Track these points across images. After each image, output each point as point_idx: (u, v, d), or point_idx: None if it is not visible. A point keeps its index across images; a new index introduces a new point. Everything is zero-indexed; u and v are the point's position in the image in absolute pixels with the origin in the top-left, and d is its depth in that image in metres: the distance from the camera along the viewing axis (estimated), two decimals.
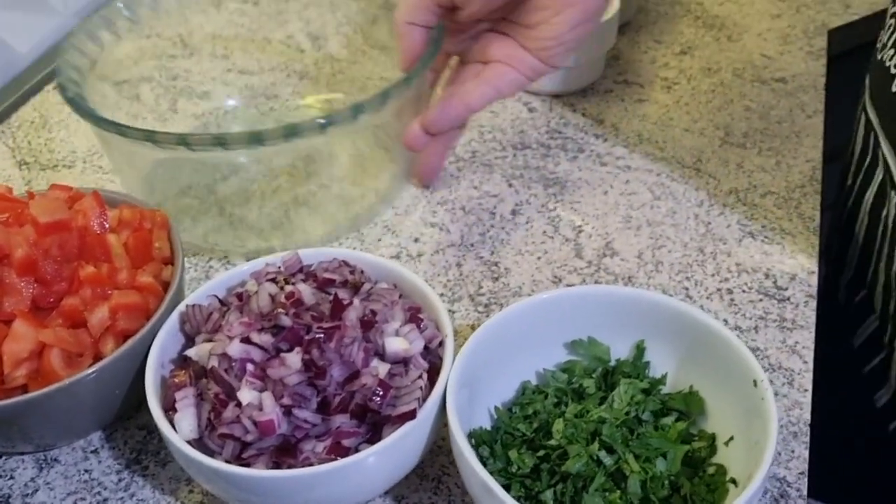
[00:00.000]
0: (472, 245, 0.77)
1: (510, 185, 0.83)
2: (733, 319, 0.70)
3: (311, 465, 0.53)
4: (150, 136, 0.66)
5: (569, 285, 0.73)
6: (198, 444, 0.55)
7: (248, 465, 0.53)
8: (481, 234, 0.78)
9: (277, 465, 0.53)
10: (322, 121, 0.66)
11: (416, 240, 0.78)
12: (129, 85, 0.89)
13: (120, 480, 0.61)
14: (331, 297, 0.57)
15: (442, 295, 0.73)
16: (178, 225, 0.68)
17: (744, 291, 0.72)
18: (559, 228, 0.78)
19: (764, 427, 0.53)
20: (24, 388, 0.57)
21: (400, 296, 0.62)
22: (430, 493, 0.60)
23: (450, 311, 0.72)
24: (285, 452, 0.53)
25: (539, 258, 0.76)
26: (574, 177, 0.84)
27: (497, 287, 0.73)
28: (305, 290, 0.57)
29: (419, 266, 0.76)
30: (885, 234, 0.74)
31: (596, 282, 0.73)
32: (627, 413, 0.58)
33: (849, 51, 1.02)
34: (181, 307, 0.61)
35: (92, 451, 0.63)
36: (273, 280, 0.60)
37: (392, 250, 0.78)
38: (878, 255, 0.75)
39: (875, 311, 0.78)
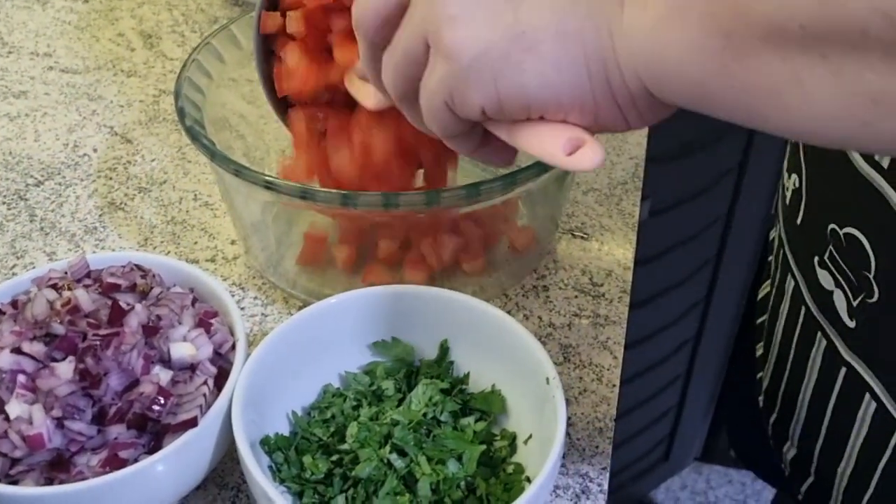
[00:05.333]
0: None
1: None
2: (548, 316, 0.70)
3: (84, 479, 0.50)
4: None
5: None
6: None
7: (17, 482, 0.51)
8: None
9: (50, 482, 0.51)
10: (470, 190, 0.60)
11: (233, 242, 0.76)
12: None
13: None
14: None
15: (255, 298, 0.71)
16: None
17: (560, 288, 0.72)
18: None
19: (554, 424, 0.53)
20: None
21: (195, 300, 0.59)
22: (227, 503, 0.58)
23: (263, 314, 0.70)
24: (58, 467, 0.51)
25: None
26: None
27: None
28: (83, 296, 0.54)
29: (234, 269, 0.74)
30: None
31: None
32: (425, 414, 0.57)
33: None
34: None
35: None
36: (54, 286, 0.57)
37: (208, 253, 0.75)
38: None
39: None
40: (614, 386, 0.66)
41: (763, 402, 0.77)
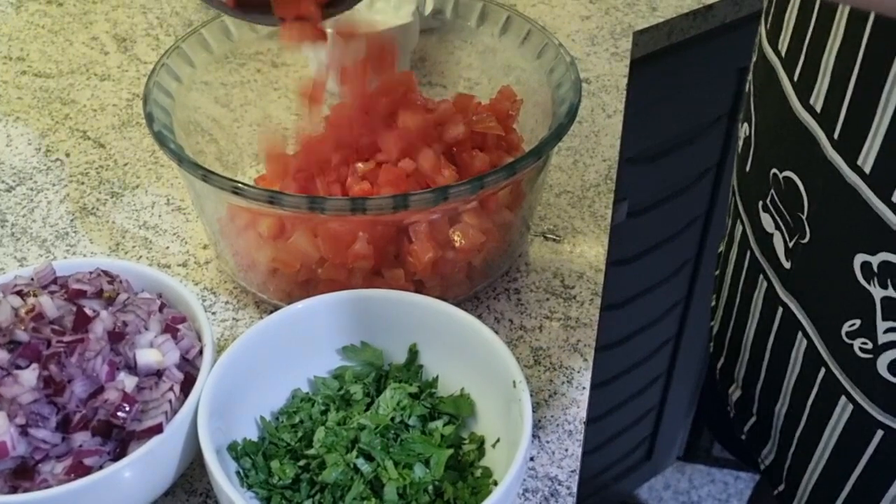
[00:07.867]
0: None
1: None
2: (519, 319, 0.70)
3: (49, 486, 0.50)
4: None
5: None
6: None
7: None
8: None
9: (14, 490, 0.51)
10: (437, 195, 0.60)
11: (205, 247, 0.76)
12: None
13: None
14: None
15: (227, 303, 0.71)
16: None
17: (531, 291, 0.73)
18: None
19: (520, 428, 0.53)
20: None
21: (163, 306, 0.59)
22: None
23: (234, 319, 0.70)
24: (22, 475, 0.51)
25: None
26: None
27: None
28: (47, 303, 0.54)
29: (206, 274, 0.73)
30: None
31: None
32: (393, 419, 0.57)
33: (653, 53, 1.04)
34: None
35: None
36: (19, 293, 0.56)
37: (180, 258, 0.75)
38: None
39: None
40: (584, 389, 0.66)
41: (712, 348, 0.80)
